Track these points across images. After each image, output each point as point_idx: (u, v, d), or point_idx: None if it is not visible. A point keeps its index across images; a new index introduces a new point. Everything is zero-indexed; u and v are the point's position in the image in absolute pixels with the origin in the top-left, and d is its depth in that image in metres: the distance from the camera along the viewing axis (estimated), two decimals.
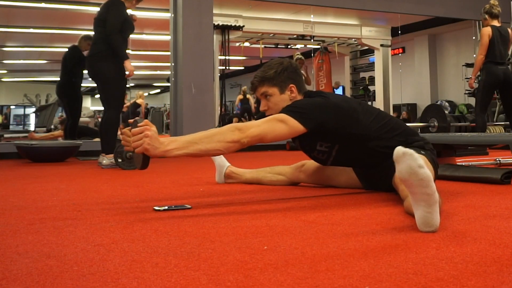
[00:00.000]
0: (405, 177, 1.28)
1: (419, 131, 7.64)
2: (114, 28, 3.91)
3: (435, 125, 5.21)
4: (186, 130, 5.81)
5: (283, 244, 1.24)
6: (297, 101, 1.98)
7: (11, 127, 13.79)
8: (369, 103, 10.84)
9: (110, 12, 3.97)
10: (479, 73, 4.97)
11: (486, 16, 4.87)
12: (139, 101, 11.79)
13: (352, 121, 1.95)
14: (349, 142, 1.99)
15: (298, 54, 8.24)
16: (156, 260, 1.10)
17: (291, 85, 2.03)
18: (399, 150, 1.29)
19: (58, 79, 5.95)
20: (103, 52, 3.96)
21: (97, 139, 5.96)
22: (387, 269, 1.01)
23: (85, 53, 5.74)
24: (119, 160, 3.84)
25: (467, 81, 8.25)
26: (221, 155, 2.80)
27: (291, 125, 1.81)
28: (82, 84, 5.84)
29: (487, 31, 4.80)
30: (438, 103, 9.81)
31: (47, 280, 0.96)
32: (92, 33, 4.27)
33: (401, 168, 1.28)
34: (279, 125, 1.79)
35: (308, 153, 2.12)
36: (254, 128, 1.74)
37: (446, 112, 5.25)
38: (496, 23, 4.85)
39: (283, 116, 1.83)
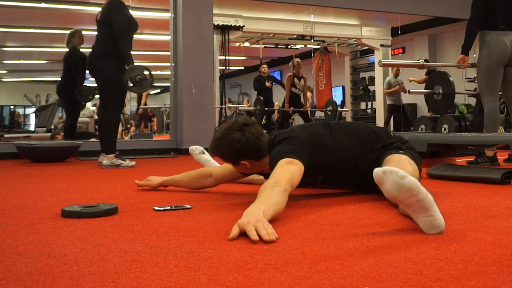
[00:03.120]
0: (395, 194, 1.28)
1: (421, 128, 7.65)
2: (122, 32, 3.91)
3: (440, 92, 5.06)
4: (186, 130, 5.80)
5: (283, 244, 1.24)
6: (279, 148, 1.89)
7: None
8: (369, 103, 10.86)
9: (114, 15, 3.95)
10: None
11: None
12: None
13: (324, 147, 1.95)
14: (329, 168, 1.99)
15: (296, 59, 8.26)
16: (156, 260, 1.10)
17: (242, 161, 1.94)
18: (377, 172, 1.28)
19: (59, 79, 5.96)
20: (104, 52, 3.96)
21: (93, 139, 5.97)
22: (387, 269, 1.01)
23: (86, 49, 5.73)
24: (130, 84, 3.87)
25: (468, 81, 8.27)
26: (210, 160, 2.80)
27: (298, 163, 1.77)
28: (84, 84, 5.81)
29: None
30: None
31: (47, 280, 0.96)
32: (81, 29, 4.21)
33: (387, 187, 1.28)
34: (292, 167, 1.74)
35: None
36: (282, 176, 1.65)
37: (451, 79, 5.05)
38: None
39: (287, 159, 1.77)
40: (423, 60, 4.68)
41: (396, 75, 9.25)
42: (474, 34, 3.59)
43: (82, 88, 5.63)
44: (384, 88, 9.38)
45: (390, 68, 9.62)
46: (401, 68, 9.13)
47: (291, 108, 8.04)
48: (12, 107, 14.70)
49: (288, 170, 1.71)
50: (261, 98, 8.75)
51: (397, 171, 1.26)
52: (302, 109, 8.10)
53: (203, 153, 2.86)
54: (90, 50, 4.16)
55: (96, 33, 4.12)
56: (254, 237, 1.25)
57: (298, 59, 8.18)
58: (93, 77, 4.15)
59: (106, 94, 4.04)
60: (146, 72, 3.95)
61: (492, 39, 3.52)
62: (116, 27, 3.92)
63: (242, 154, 1.91)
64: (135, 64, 3.92)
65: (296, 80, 8.00)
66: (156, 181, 2.39)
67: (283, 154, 1.81)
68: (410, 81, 8.89)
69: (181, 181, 2.35)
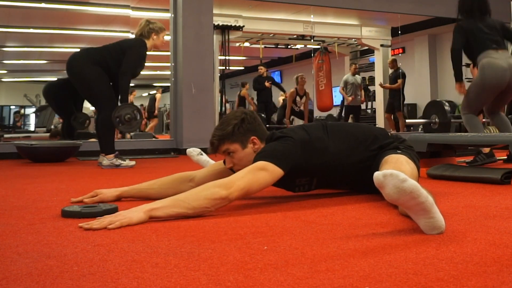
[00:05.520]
0: (395, 198, 1.27)
1: (421, 128, 7.66)
2: (129, 70, 3.93)
3: (436, 121, 5.16)
4: (186, 130, 5.80)
5: (283, 244, 1.24)
6: (268, 146, 1.90)
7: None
8: (369, 103, 10.85)
9: (133, 51, 3.97)
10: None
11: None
12: (157, 96, 11.95)
13: (321, 151, 1.94)
14: (325, 171, 1.98)
15: (300, 74, 8.42)
16: (156, 260, 1.10)
17: (252, 137, 1.94)
18: (378, 175, 1.28)
19: (53, 79, 5.85)
20: (92, 58, 3.96)
21: (93, 140, 5.93)
22: (387, 269, 1.01)
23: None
24: (120, 125, 3.86)
25: (467, 81, 8.27)
26: (210, 160, 2.79)
27: (272, 171, 1.76)
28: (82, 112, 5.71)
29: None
30: None
31: (47, 280, 0.96)
32: None
33: (388, 191, 1.27)
34: (262, 173, 1.73)
35: (289, 189, 2.07)
36: (238, 181, 1.66)
37: (447, 108, 5.16)
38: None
39: (262, 163, 1.76)
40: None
41: (354, 73, 9.23)
42: (460, 60, 3.59)
43: (79, 115, 5.34)
44: (340, 86, 9.31)
45: (349, 66, 9.63)
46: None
47: (293, 118, 8.24)
48: (13, 107, 14.70)
49: (253, 176, 1.70)
50: (262, 102, 8.85)
51: (397, 174, 1.25)
52: (303, 122, 8.31)
53: (201, 154, 2.85)
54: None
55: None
56: (86, 225, 1.45)
57: (302, 74, 8.32)
58: (72, 80, 4.10)
59: (96, 98, 4.02)
60: (136, 112, 3.94)
61: (488, 63, 3.40)
62: (128, 62, 3.93)
63: (248, 128, 1.92)
64: (127, 103, 3.93)
65: (298, 98, 8.16)
66: (110, 195, 2.00)
67: (265, 156, 1.79)
68: (382, 86, 8.91)
69: (148, 190, 2.05)
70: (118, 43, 4.10)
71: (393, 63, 8.91)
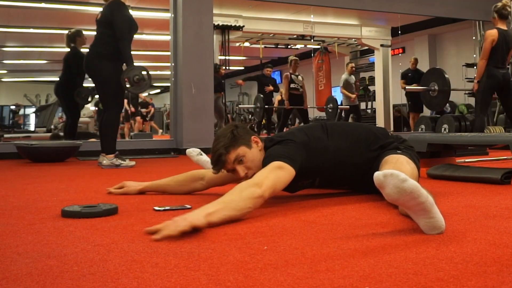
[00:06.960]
0: (396, 198, 1.27)
1: (421, 128, 7.65)
2: (123, 34, 3.91)
3: (436, 89, 5.16)
4: (186, 130, 5.80)
5: (283, 244, 1.24)
6: (273, 149, 1.89)
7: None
8: (369, 103, 10.86)
9: (116, 15, 3.94)
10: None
11: (496, 15, 4.74)
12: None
13: (321, 151, 1.94)
14: (326, 170, 1.98)
15: (294, 57, 8.28)
16: (156, 260, 1.10)
17: (252, 136, 1.93)
18: (378, 175, 1.27)
19: (58, 79, 5.95)
20: (102, 52, 3.96)
21: (93, 140, 5.96)
22: (387, 269, 1.01)
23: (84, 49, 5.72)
24: (128, 86, 3.88)
25: (467, 81, 8.27)
26: (208, 160, 2.76)
27: (288, 169, 1.76)
28: (84, 84, 5.79)
29: (491, 35, 4.69)
30: None
31: (47, 280, 0.96)
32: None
33: (388, 191, 1.27)
34: (282, 172, 1.73)
35: (291, 191, 2.06)
36: (266, 180, 1.66)
37: (447, 76, 5.19)
38: (503, 25, 4.76)
39: (278, 162, 1.76)
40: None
41: (352, 72, 9.20)
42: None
43: (81, 90, 5.57)
44: (342, 86, 9.20)
45: (345, 66, 9.62)
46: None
47: (291, 106, 8.06)
48: (13, 107, 14.71)
49: (275, 175, 1.70)
50: (261, 96, 8.79)
51: (398, 174, 1.25)
52: (302, 106, 8.10)
53: (201, 155, 2.85)
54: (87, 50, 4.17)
55: (95, 33, 4.13)
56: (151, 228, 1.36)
57: (296, 58, 8.20)
58: (90, 77, 4.15)
59: (105, 95, 4.04)
60: (144, 73, 3.95)
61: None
62: (118, 27, 3.91)
63: (242, 129, 1.92)
64: (134, 64, 3.93)
65: (294, 77, 8.02)
66: (134, 188, 2.25)
67: (276, 156, 1.80)
68: (411, 89, 8.77)
69: (166, 186, 2.25)
70: (103, 22, 4.03)
71: (416, 63, 8.77)
